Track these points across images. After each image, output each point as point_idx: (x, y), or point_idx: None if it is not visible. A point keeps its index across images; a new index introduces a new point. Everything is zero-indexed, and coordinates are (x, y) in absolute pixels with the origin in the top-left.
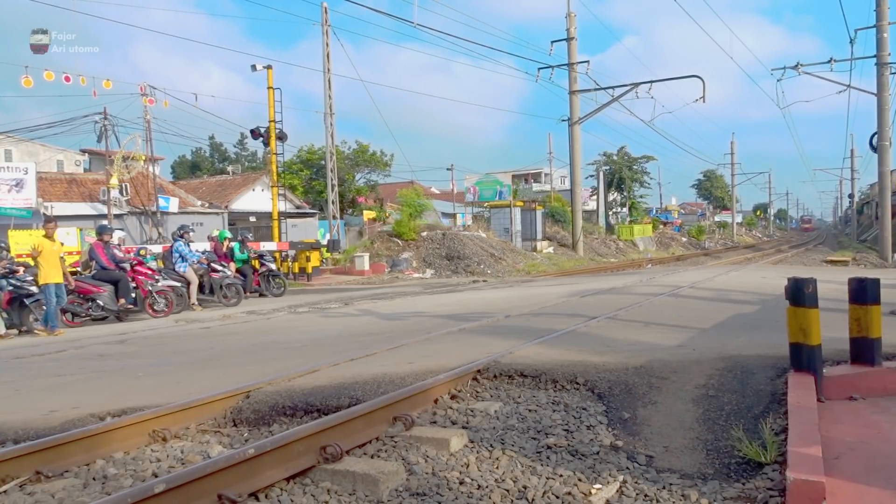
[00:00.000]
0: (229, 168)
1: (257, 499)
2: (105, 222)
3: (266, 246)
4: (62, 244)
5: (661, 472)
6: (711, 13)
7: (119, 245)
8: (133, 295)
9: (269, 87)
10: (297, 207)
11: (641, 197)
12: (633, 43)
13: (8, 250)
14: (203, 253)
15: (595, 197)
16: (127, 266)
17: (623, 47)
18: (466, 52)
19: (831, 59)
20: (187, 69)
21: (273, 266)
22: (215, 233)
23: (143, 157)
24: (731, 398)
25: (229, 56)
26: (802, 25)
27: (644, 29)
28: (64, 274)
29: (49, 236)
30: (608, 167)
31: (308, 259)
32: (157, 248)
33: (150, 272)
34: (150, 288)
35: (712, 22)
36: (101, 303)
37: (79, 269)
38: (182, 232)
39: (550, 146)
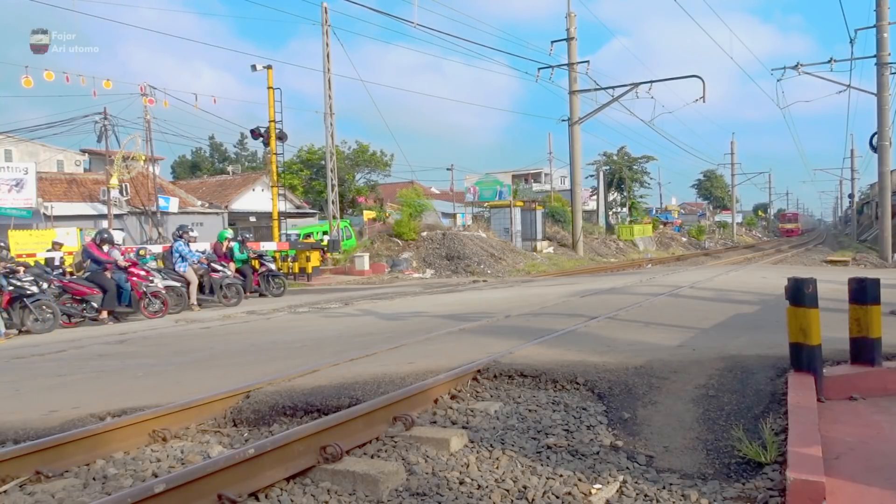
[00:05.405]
0: (229, 168)
1: (257, 499)
2: (105, 224)
3: (266, 246)
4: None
5: (662, 472)
6: (703, 12)
7: (117, 245)
8: (119, 297)
9: (269, 87)
10: (297, 207)
11: (641, 197)
12: (626, 43)
13: (8, 250)
14: (203, 253)
15: (595, 197)
16: (121, 262)
17: (616, 47)
18: (462, 51)
19: (831, 59)
20: (178, 69)
21: (273, 266)
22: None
23: (143, 157)
24: (732, 398)
25: (221, 56)
26: (792, 25)
27: (635, 29)
28: None
29: None
30: (608, 167)
31: (308, 259)
32: (157, 248)
33: (144, 273)
34: (145, 289)
35: (706, 21)
36: (94, 304)
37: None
38: (182, 232)
39: (550, 146)
